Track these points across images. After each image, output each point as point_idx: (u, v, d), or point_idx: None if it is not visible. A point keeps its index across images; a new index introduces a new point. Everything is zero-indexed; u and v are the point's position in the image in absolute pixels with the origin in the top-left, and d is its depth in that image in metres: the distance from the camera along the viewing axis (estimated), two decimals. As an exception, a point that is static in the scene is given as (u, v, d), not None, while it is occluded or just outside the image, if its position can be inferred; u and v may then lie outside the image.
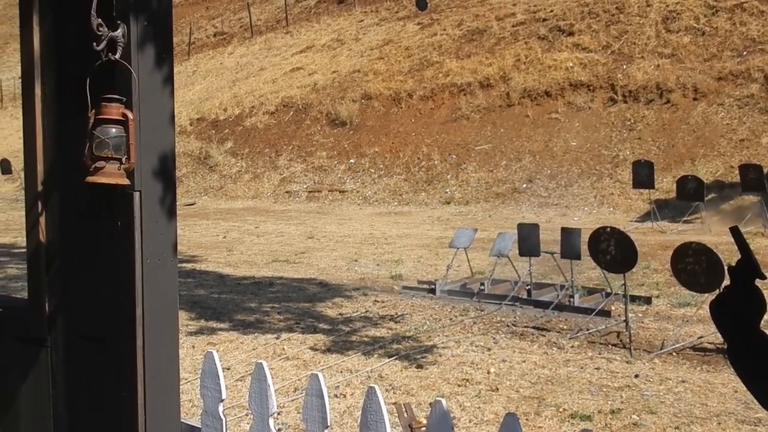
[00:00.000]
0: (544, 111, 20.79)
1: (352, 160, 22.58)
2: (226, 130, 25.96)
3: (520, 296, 8.76)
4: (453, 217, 17.36)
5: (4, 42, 51.22)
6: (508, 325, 7.81)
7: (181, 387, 2.36)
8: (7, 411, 2.54)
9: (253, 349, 7.00)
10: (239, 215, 18.85)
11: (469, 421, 5.20)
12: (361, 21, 30.91)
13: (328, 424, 2.35)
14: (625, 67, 20.60)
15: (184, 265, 11.18)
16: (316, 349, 6.98)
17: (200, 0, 41.05)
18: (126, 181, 2.10)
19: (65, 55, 2.30)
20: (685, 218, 14.53)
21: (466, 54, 24.38)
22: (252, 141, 25.06)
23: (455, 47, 25.03)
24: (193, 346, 6.97)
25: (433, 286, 9.49)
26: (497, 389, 5.82)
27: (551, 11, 23.84)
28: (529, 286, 8.92)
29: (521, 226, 9.07)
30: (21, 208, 20.34)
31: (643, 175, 14.93)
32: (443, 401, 2.20)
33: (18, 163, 27.94)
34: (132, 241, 2.15)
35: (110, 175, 2.08)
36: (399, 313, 8.41)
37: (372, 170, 21.87)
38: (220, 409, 2.54)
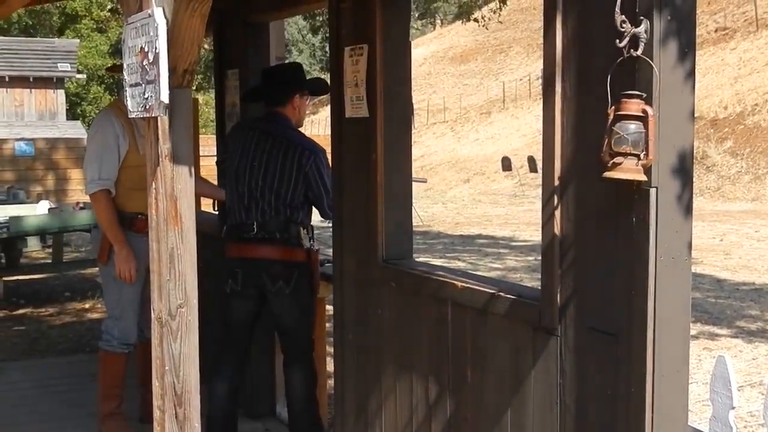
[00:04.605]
0: None
1: None
2: (726, 129, 24.86)
3: None
4: None
5: (507, 46, 54.30)
6: None
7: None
8: (517, 391, 2.68)
9: (753, 359, 6.64)
10: (737, 218, 17.94)
11: None
12: None
13: None
14: None
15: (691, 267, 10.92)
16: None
17: (702, -5, 39.70)
18: (643, 177, 2.10)
19: (586, 53, 2.36)
20: None
21: None
22: (754, 140, 23.70)
23: None
24: (688, 349, 6.79)
25: None
26: None
27: None
28: None
29: None
30: (519, 204, 21.45)
31: None
32: None
33: (518, 161, 29.49)
34: (646, 237, 2.14)
35: (628, 170, 2.09)
36: None
37: None
38: (731, 416, 2.44)
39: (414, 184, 3.76)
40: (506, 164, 29.55)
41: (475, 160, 34.91)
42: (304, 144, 4.23)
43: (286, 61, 5.27)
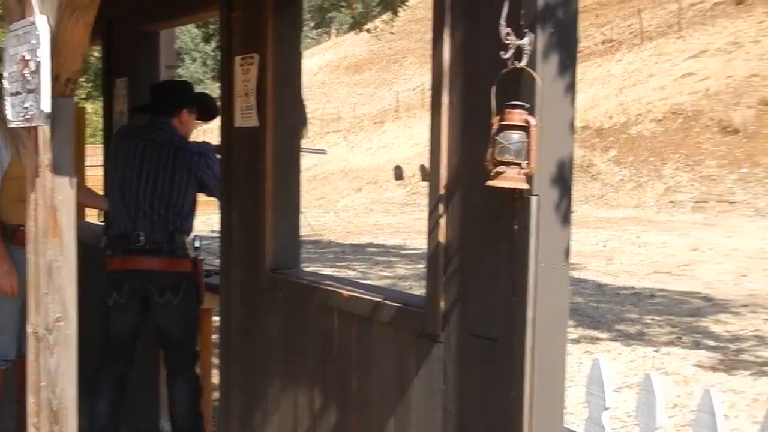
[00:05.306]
0: None
1: (744, 170, 21.28)
2: (611, 138, 25.64)
3: None
4: None
5: (401, 56, 54.79)
6: None
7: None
8: (401, 398, 2.70)
9: (631, 361, 6.86)
10: (620, 224, 18.52)
11: None
12: (762, 22, 29.03)
13: (721, 444, 2.23)
14: None
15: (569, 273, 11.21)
16: (699, 366, 6.68)
17: (590, 8, 40.90)
18: (525, 186, 2.15)
19: (473, 64, 2.40)
20: None
21: None
22: (637, 149, 24.52)
23: None
24: (569, 354, 6.95)
25: (837, 308, 8.71)
26: None
27: None
28: None
29: None
30: (410, 212, 21.61)
31: None
32: None
33: (410, 170, 29.74)
34: (527, 244, 2.19)
35: (510, 179, 2.14)
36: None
37: (767, 180, 20.45)
38: (604, 417, 2.51)
39: (313, 156, 3.79)
40: (398, 173, 29.74)
41: (367, 169, 35.07)
42: (192, 149, 4.19)
43: (177, 74, 5.21)
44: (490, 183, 2.17)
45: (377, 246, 15.57)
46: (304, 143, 3.85)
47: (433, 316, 2.53)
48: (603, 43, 37.82)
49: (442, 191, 2.49)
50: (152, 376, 4.80)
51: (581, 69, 34.47)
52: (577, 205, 22.19)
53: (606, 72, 32.83)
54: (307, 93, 3.65)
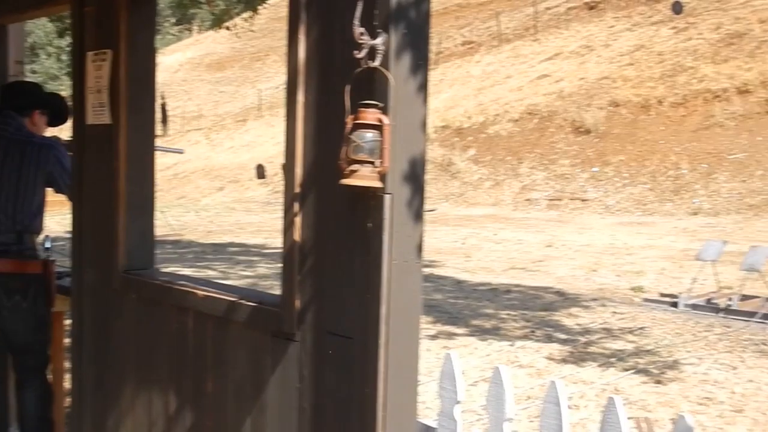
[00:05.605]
0: (807, 120, 19.47)
1: (595, 169, 22.13)
2: (470, 138, 26.19)
3: (773, 315, 8.26)
4: (700, 229, 16.60)
5: (264, 54, 54.38)
6: (756, 344, 7.37)
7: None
8: (257, 398, 2.69)
9: (487, 355, 7.03)
10: (478, 222, 18.95)
11: (713, 444, 4.96)
12: (612, 27, 30.27)
13: (565, 434, 2.32)
14: None
15: (422, 269, 11.38)
16: (551, 359, 6.91)
17: (450, 10, 41.66)
18: (379, 184, 2.17)
19: (327, 64, 2.41)
20: None
21: (723, 59, 23.30)
22: (494, 148, 25.15)
23: (711, 52, 23.97)
24: (428, 349, 7.08)
25: (675, 300, 9.17)
26: (742, 410, 5.50)
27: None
28: (784, 305, 8.40)
29: (777, 242, 8.55)
30: (272, 211, 21.49)
31: None
32: (688, 416, 2.12)
33: (272, 169, 29.57)
34: (380, 242, 2.22)
35: (364, 177, 2.16)
36: (638, 326, 8.16)
37: (616, 179, 21.33)
38: (456, 411, 2.57)
39: (171, 154, 3.69)
40: (260, 172, 29.47)
41: (229, 167, 34.67)
42: (40, 142, 4.03)
43: (30, 69, 5.02)
44: (344, 181, 2.18)
45: (238, 245, 15.43)
46: (165, 141, 3.77)
47: (288, 315, 2.53)
48: (463, 44, 38.59)
49: (297, 190, 2.49)
50: (2, 382, 4.61)
51: (442, 70, 35.14)
52: (437, 204, 22.60)
53: (465, 73, 33.52)
54: (167, 90, 3.58)
